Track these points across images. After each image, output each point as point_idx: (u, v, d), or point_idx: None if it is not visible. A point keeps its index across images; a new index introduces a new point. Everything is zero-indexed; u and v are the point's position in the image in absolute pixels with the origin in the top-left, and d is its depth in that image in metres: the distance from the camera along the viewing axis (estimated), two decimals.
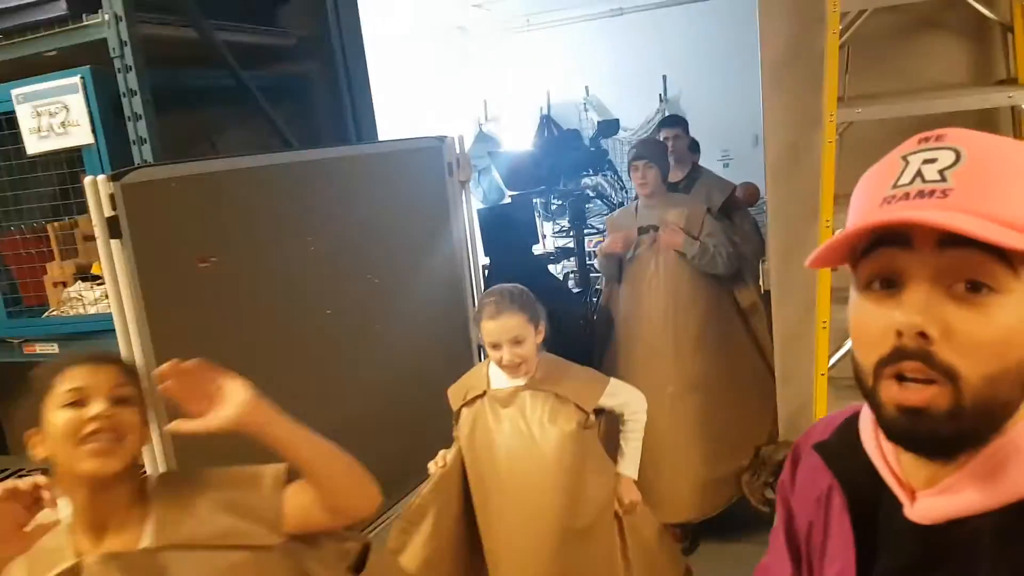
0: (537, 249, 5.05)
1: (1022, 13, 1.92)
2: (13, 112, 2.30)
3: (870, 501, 0.70)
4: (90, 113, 2.22)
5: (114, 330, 1.86)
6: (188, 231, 1.99)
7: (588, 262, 5.32)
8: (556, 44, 7.94)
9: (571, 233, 5.56)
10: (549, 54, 7.96)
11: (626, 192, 6.45)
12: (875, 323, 0.62)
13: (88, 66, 2.18)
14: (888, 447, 0.68)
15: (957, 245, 0.57)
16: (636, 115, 7.64)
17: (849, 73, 2.24)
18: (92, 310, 2.37)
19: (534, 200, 5.47)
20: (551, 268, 5.23)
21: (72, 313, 2.38)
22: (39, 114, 2.28)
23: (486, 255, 4.10)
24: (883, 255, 0.61)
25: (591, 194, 5.81)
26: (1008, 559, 0.59)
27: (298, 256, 2.27)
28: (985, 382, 0.58)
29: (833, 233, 2.07)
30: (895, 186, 0.61)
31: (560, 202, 5.93)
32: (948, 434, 0.60)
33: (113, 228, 1.79)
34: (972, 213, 0.56)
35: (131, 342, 1.86)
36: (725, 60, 7.09)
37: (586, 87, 7.89)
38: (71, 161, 2.36)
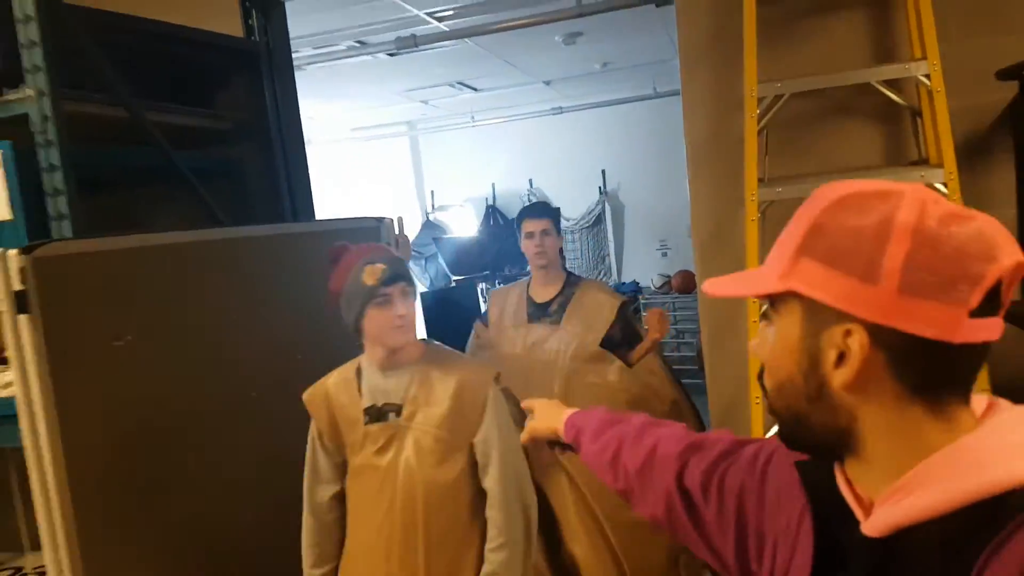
0: None
1: (929, 98, 2.05)
2: None
3: (837, 523, 0.75)
4: (8, 188, 2.15)
5: (15, 415, 1.75)
6: (103, 308, 1.91)
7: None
8: (501, 139, 8.19)
9: None
10: (494, 148, 8.19)
11: None
12: None
13: (8, 141, 2.12)
14: (848, 469, 0.75)
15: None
16: (578, 206, 7.85)
17: (768, 155, 2.33)
18: (2, 394, 2.24)
19: (478, 285, 5.50)
20: None
21: None
22: None
23: (428, 337, 4.08)
24: None
25: None
26: (954, 566, 0.63)
27: (222, 336, 2.19)
28: (772, 390, 0.75)
29: (759, 307, 2.12)
30: None
31: None
32: (779, 430, 0.77)
33: (21, 303, 1.71)
34: (762, 270, 0.75)
35: (36, 426, 1.74)
36: (660, 155, 7.41)
37: (530, 179, 8.10)
38: None
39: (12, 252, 1.74)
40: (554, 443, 1.30)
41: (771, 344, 0.74)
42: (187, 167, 2.62)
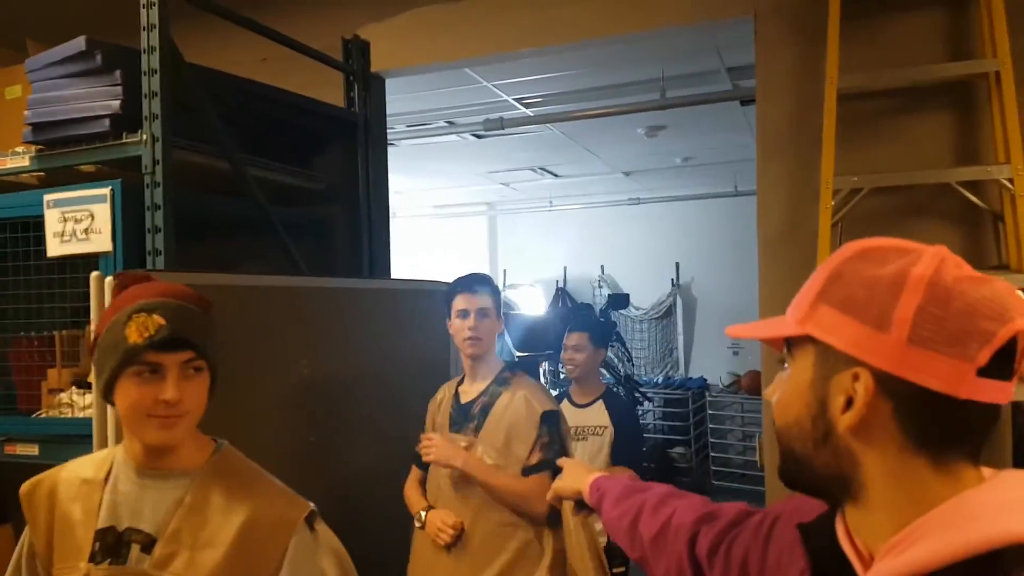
0: None
1: (1011, 203, 2.01)
2: (40, 216, 2.41)
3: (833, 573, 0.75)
4: (113, 222, 2.32)
5: (92, 435, 1.84)
6: None
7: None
8: (576, 224, 8.32)
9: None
10: (569, 232, 8.32)
11: (632, 364, 6.47)
12: None
13: (119, 179, 2.31)
14: (850, 523, 0.76)
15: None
16: (648, 296, 7.82)
17: None
18: (80, 415, 2.36)
19: (541, 364, 5.52)
20: None
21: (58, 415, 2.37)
22: (65, 219, 2.39)
23: None
24: None
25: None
26: None
27: (290, 379, 2.27)
28: (779, 432, 0.78)
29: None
30: None
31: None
32: (780, 469, 0.79)
33: None
34: (785, 317, 0.79)
35: (109, 447, 1.83)
36: (738, 252, 7.35)
37: (601, 265, 8.16)
38: (85, 266, 2.44)
39: (109, 278, 1.88)
40: (578, 504, 1.33)
41: (784, 386, 0.77)
42: (279, 221, 2.78)
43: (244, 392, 2.16)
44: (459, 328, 2.18)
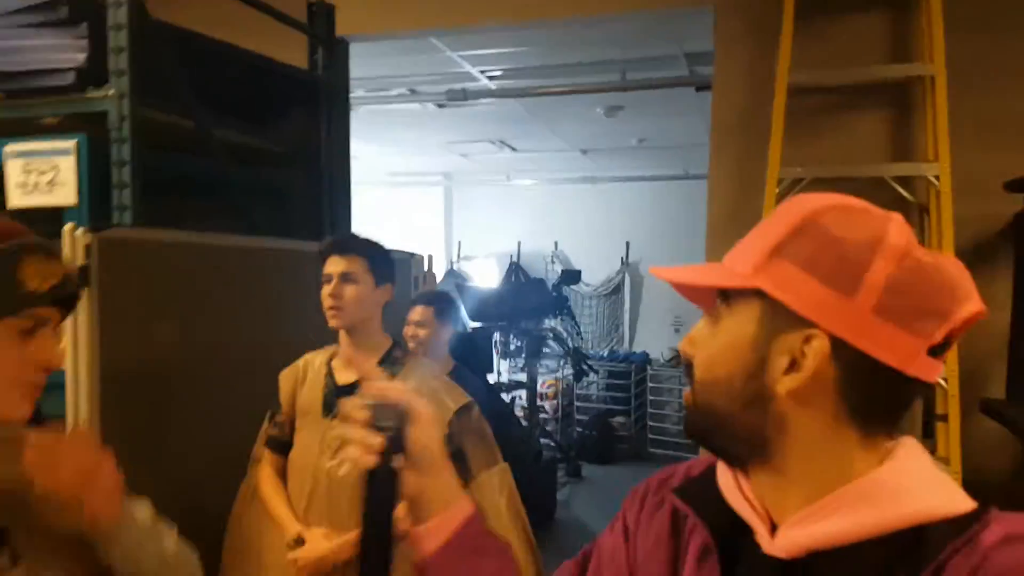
0: (491, 378, 5.15)
1: (936, 199, 2.18)
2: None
3: (728, 541, 0.72)
4: (79, 176, 2.33)
5: (62, 383, 1.88)
6: (150, 293, 2.07)
7: (539, 402, 5.41)
8: (532, 199, 8.41)
9: (524, 368, 5.68)
10: (524, 207, 8.41)
11: (581, 338, 6.65)
12: None
13: (84, 133, 2.31)
14: (747, 484, 0.73)
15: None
16: (598, 273, 8.00)
17: None
18: None
19: (494, 334, 5.64)
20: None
21: None
22: (28, 171, 2.38)
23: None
24: None
25: (550, 335, 6.00)
26: None
27: (248, 338, 2.33)
28: (702, 385, 0.73)
29: None
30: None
31: (518, 342, 6.11)
32: (689, 421, 0.75)
33: (83, 277, 1.86)
34: (723, 265, 0.73)
35: (78, 392, 1.88)
36: (685, 235, 7.55)
37: (555, 241, 8.28)
38: (49, 220, 2.44)
39: (80, 230, 1.91)
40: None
41: (715, 339, 0.72)
42: (240, 183, 2.81)
43: (203, 339, 2.22)
44: (324, 296, 1.88)
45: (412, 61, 4.29)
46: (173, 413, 2.11)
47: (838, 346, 0.65)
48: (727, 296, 0.71)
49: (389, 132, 6.16)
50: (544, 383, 6.27)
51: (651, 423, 7.24)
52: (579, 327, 6.74)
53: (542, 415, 6.03)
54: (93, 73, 2.32)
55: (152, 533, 1.00)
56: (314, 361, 2.00)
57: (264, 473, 1.99)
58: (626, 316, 7.97)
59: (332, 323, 1.88)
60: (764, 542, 0.69)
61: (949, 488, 0.66)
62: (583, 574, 0.88)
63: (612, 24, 3.52)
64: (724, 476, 0.76)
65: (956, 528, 0.62)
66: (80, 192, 2.34)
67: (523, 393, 5.85)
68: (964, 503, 0.65)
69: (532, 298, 5.87)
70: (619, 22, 3.39)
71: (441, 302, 2.61)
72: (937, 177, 2.11)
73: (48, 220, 2.44)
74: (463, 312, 5.74)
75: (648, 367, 7.33)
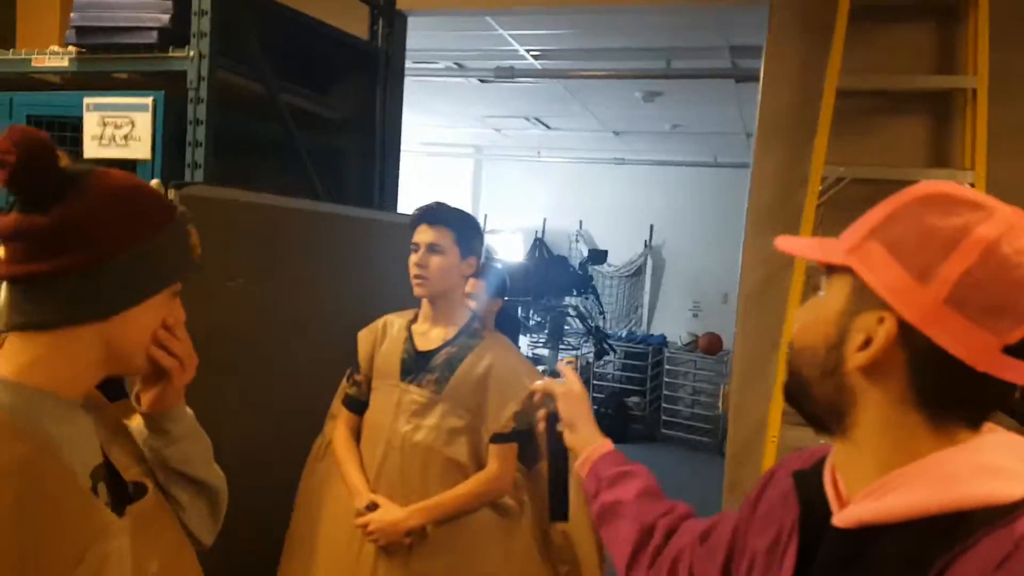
0: None
1: None
2: (78, 119, 2.53)
3: (821, 521, 0.75)
4: (154, 132, 2.45)
5: None
6: (224, 250, 2.20)
7: (555, 376, 5.54)
8: (560, 177, 8.48)
9: (548, 345, 5.82)
10: (552, 185, 8.49)
11: (604, 317, 6.77)
12: None
13: (162, 91, 2.43)
14: (837, 463, 0.77)
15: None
16: (621, 254, 8.09)
17: (822, 229, 2.58)
18: None
19: (517, 308, 5.78)
20: None
21: None
22: (105, 124, 2.51)
23: None
24: None
25: (572, 313, 6.12)
26: (912, 572, 0.65)
27: (317, 298, 2.46)
28: (795, 351, 0.77)
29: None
30: None
31: (539, 319, 6.24)
32: (784, 385, 0.79)
33: None
34: (830, 240, 0.77)
35: None
36: (709, 221, 7.66)
37: (580, 220, 8.37)
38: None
39: (163, 185, 2.04)
40: (551, 426, 1.18)
41: (812, 310, 0.76)
42: (300, 145, 2.93)
43: (273, 301, 2.36)
44: (410, 264, 1.91)
45: (460, 36, 4.37)
46: (245, 369, 2.23)
47: (908, 331, 0.66)
48: (829, 271, 0.75)
49: (427, 101, 6.25)
50: (563, 360, 6.42)
51: (665, 405, 7.37)
52: (602, 306, 6.86)
53: None
54: (174, 33, 2.44)
55: (200, 432, 1.10)
56: (394, 323, 2.02)
57: (340, 433, 2.01)
58: (646, 298, 8.08)
59: (417, 292, 1.91)
60: (835, 515, 0.73)
61: (1008, 477, 0.66)
62: (706, 533, 0.97)
63: (661, 13, 3.61)
64: (830, 455, 0.80)
65: (998, 515, 0.63)
66: (154, 148, 2.47)
67: (543, 368, 6.00)
68: (1018, 492, 0.65)
69: (557, 275, 5.99)
70: (668, 12, 3.48)
71: (490, 275, 2.72)
72: (972, 184, 2.21)
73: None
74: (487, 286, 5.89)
75: (665, 350, 7.46)
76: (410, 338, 1.97)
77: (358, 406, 2.01)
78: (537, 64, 4.63)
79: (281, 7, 2.86)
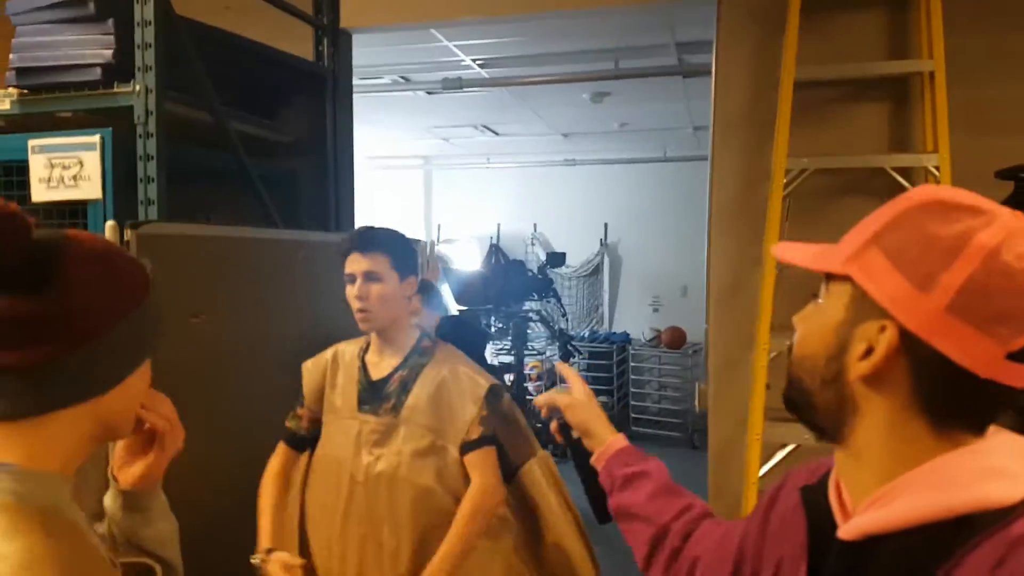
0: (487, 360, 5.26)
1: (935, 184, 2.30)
2: (23, 161, 2.41)
3: (827, 538, 0.75)
4: (103, 171, 2.35)
5: None
6: (183, 287, 2.12)
7: (524, 383, 5.52)
8: (511, 182, 8.48)
9: (512, 351, 5.79)
10: (503, 190, 8.48)
11: (566, 319, 6.77)
12: None
13: (109, 128, 2.33)
14: (840, 476, 0.77)
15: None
16: (578, 254, 8.12)
17: (789, 222, 2.60)
18: None
19: (480, 318, 5.74)
20: None
21: None
22: (52, 166, 2.40)
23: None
24: None
25: (534, 317, 6.11)
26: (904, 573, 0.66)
27: (269, 322, 2.40)
28: (795, 361, 0.77)
29: (766, 364, 2.34)
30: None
31: (502, 324, 6.22)
32: (784, 394, 0.79)
33: None
34: (829, 248, 0.75)
35: None
36: (663, 215, 7.74)
37: (534, 223, 8.37)
38: (70, 214, 2.46)
39: (119, 225, 1.95)
40: (566, 436, 1.19)
41: (812, 319, 0.75)
42: (252, 172, 2.85)
43: (235, 335, 2.28)
44: (349, 297, 1.84)
45: (405, 50, 4.32)
46: (206, 404, 2.16)
47: (910, 340, 0.66)
48: (828, 278, 0.74)
49: (372, 115, 6.18)
50: (528, 365, 6.40)
51: (633, 402, 7.41)
52: (564, 309, 6.86)
53: (528, 397, 6.15)
54: (118, 69, 2.34)
55: (169, 510, 1.07)
56: (345, 353, 1.96)
57: (270, 468, 1.95)
58: (605, 296, 8.12)
59: (363, 327, 1.84)
60: (840, 528, 0.73)
61: (1010, 478, 0.66)
62: (721, 540, 0.96)
63: (606, 14, 3.61)
64: (834, 469, 0.79)
65: (999, 518, 0.63)
66: (104, 187, 2.37)
67: (510, 376, 5.96)
68: (1019, 493, 0.65)
69: (516, 280, 5.98)
70: (614, 13, 3.48)
71: (426, 289, 2.68)
72: (937, 167, 2.25)
73: (67, 215, 2.48)
74: (448, 296, 5.83)
75: (629, 347, 7.49)
76: (363, 367, 1.92)
77: (298, 442, 1.96)
78: (484, 73, 4.60)
79: (225, 34, 2.78)
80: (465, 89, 4.57)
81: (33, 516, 0.75)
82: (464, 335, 4.53)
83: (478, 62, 4.50)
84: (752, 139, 2.71)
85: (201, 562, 1.27)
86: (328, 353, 1.98)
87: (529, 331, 6.24)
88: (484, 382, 1.87)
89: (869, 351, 0.68)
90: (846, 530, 0.71)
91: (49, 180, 2.41)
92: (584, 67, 4.36)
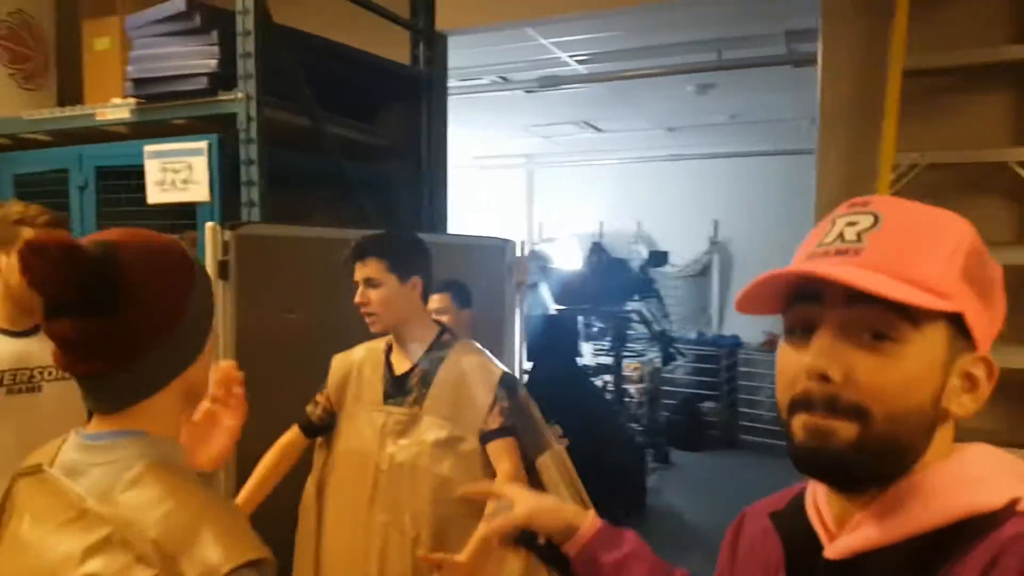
0: (578, 362, 5.21)
1: None
2: (134, 166, 2.59)
3: (808, 559, 0.73)
4: (210, 174, 2.49)
5: None
6: (278, 284, 2.21)
7: (622, 385, 5.45)
8: (614, 179, 8.36)
9: (611, 352, 5.72)
10: (606, 187, 8.38)
11: (668, 320, 6.62)
12: (790, 366, 0.70)
13: (216, 134, 2.46)
14: (821, 499, 0.75)
15: (863, 300, 0.64)
16: (684, 254, 7.89)
17: None
18: None
19: (578, 318, 5.70)
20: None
21: None
22: (165, 170, 2.56)
23: (528, 359, 4.26)
24: (800, 307, 0.70)
25: (635, 318, 5.99)
26: None
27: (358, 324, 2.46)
28: (889, 420, 0.65)
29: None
30: (819, 244, 0.70)
31: (601, 325, 6.14)
32: (851, 461, 0.66)
33: (223, 270, 2.01)
34: (880, 271, 0.65)
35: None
36: (777, 211, 7.39)
37: (638, 221, 8.22)
38: (182, 215, 2.61)
39: (219, 227, 2.05)
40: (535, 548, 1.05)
41: (900, 364, 0.65)
42: (349, 175, 2.94)
43: (327, 332, 2.35)
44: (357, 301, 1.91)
45: (502, 50, 4.34)
46: (294, 395, 2.23)
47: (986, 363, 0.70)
48: (912, 316, 0.64)
49: (473, 116, 6.24)
50: (629, 367, 6.29)
51: (742, 409, 7.11)
52: (666, 309, 6.70)
53: (627, 399, 6.06)
54: (223, 77, 2.47)
55: None
56: (374, 349, 2.04)
57: (277, 443, 2.01)
58: (715, 298, 7.86)
59: (373, 329, 1.92)
60: (825, 548, 0.71)
61: (989, 486, 0.66)
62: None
63: (713, 4, 3.50)
64: (808, 495, 0.78)
65: (986, 523, 0.64)
66: (212, 189, 2.51)
67: (608, 377, 5.89)
68: (1005, 497, 0.65)
69: (616, 280, 5.89)
70: (722, 2, 3.37)
71: (457, 288, 2.67)
72: None
73: (180, 215, 2.64)
74: (546, 296, 5.81)
75: (739, 351, 7.21)
76: (388, 363, 1.99)
77: (308, 427, 2.03)
78: (583, 69, 4.56)
79: (322, 41, 2.88)
80: (563, 86, 4.54)
81: (185, 472, 0.91)
82: (556, 334, 4.53)
83: (576, 58, 4.46)
84: (860, 132, 2.54)
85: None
86: (358, 349, 2.07)
87: (630, 332, 6.13)
88: (497, 369, 1.94)
89: (970, 384, 0.68)
90: (835, 549, 0.70)
91: (163, 183, 2.57)
92: (686, 59, 4.23)
